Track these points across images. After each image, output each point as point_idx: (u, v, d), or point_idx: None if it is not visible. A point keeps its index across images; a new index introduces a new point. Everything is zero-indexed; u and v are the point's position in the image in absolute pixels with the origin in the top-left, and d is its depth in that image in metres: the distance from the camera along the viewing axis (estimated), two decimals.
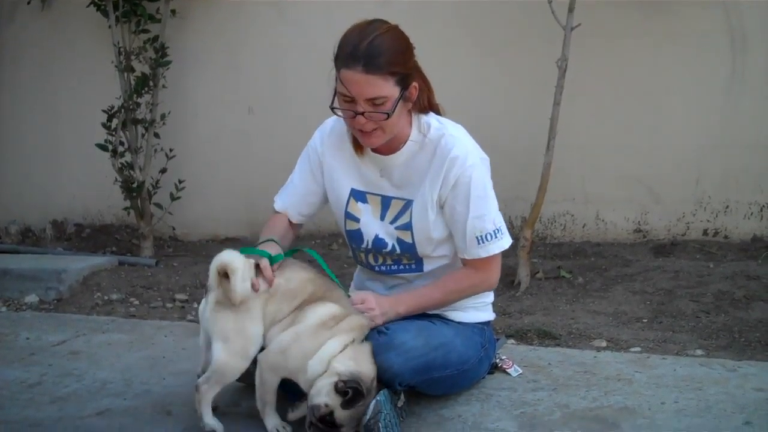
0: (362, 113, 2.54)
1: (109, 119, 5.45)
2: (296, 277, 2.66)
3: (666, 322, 3.88)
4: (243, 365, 2.59)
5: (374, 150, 2.76)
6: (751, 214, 4.97)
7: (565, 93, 4.44)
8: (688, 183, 5.07)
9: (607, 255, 4.96)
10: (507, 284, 4.52)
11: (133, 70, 5.50)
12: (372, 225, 2.83)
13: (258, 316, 2.58)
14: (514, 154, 5.22)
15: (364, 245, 2.86)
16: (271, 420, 2.59)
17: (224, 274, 2.55)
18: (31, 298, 4.76)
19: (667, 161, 5.08)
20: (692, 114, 5.03)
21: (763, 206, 4.94)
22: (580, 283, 4.53)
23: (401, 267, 2.87)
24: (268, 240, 2.77)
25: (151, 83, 5.53)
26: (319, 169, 2.90)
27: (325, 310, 2.57)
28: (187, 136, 5.90)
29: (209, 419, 2.59)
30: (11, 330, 4.11)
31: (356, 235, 2.87)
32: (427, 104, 2.76)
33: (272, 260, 2.63)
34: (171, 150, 5.58)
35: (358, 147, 2.80)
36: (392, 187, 2.79)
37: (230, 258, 2.56)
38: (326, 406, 2.41)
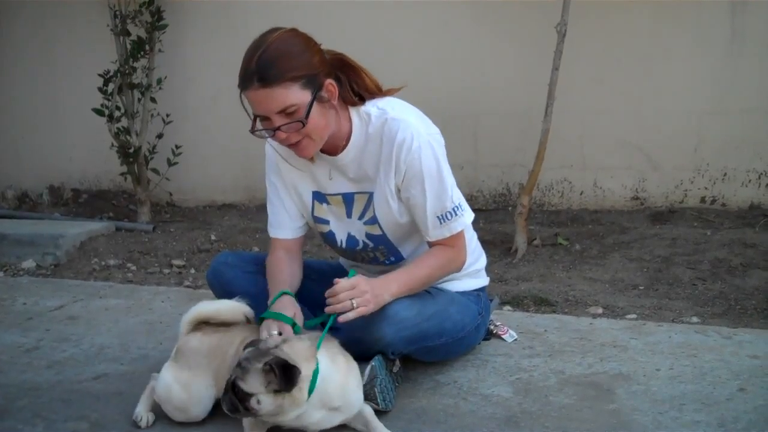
0: (279, 128, 2.43)
1: (105, 84, 5.42)
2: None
3: (662, 289, 3.89)
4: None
5: (322, 151, 2.65)
6: (749, 181, 4.97)
7: (564, 58, 4.41)
8: (686, 150, 5.06)
9: (605, 222, 4.96)
10: (504, 251, 4.53)
11: (129, 33, 5.46)
12: (341, 224, 2.77)
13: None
14: (512, 120, 5.21)
15: (339, 246, 2.82)
16: None
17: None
18: (28, 264, 4.77)
19: (666, 128, 5.07)
20: (691, 80, 5.00)
21: (762, 174, 4.93)
22: (577, 250, 4.53)
23: (380, 262, 2.83)
24: (282, 294, 2.61)
25: (147, 47, 5.49)
26: (281, 176, 2.80)
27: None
28: (184, 101, 5.88)
29: (141, 408, 2.59)
30: (8, 295, 4.12)
31: (330, 237, 2.82)
32: (360, 93, 2.62)
33: (294, 329, 2.51)
34: (168, 115, 5.56)
35: None
36: (350, 182, 2.70)
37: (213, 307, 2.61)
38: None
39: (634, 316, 3.52)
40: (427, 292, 2.72)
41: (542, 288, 3.95)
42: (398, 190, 2.63)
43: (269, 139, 2.68)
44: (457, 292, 2.83)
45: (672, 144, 5.08)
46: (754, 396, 2.59)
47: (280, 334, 2.42)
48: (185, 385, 2.51)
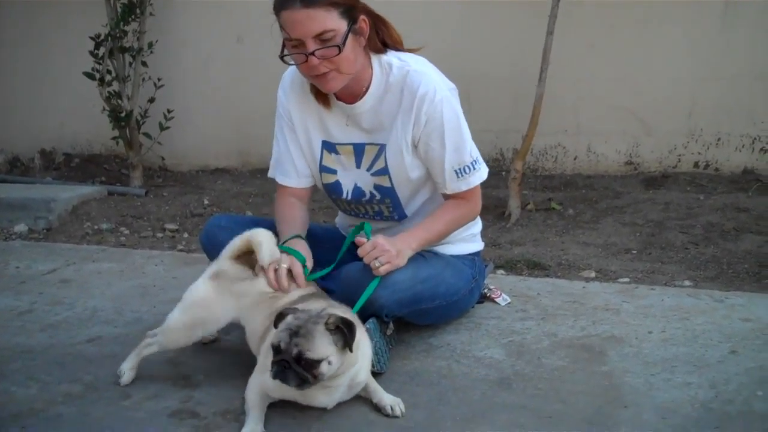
0: (312, 53, 2.42)
1: (96, 47, 5.37)
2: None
3: (655, 253, 3.90)
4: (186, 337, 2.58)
5: (339, 98, 2.66)
6: (743, 146, 4.97)
7: (558, 23, 4.38)
8: (680, 115, 5.05)
9: (598, 187, 4.96)
10: (497, 216, 4.53)
11: None
12: (349, 175, 2.77)
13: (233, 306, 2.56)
14: (506, 85, 5.19)
15: (344, 196, 2.81)
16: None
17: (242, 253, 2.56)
18: (21, 228, 4.76)
19: (660, 93, 5.05)
20: (685, 45, 4.98)
21: (755, 138, 4.93)
22: (571, 215, 4.53)
23: (383, 218, 2.84)
24: (294, 237, 2.65)
25: (138, 11, 5.43)
26: (293, 124, 2.79)
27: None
28: (176, 65, 5.84)
29: (126, 366, 2.61)
30: (1, 259, 4.11)
31: (335, 188, 2.81)
32: (384, 43, 2.64)
33: (304, 271, 2.56)
34: (159, 79, 5.52)
35: (321, 98, 2.69)
36: (362, 133, 2.70)
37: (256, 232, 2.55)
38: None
39: (626, 279, 3.53)
40: (421, 255, 2.72)
41: (535, 252, 3.96)
42: (414, 144, 2.63)
43: (283, 87, 2.74)
44: (451, 256, 2.83)
45: (666, 109, 5.07)
46: (745, 358, 2.60)
47: (289, 271, 2.49)
48: (211, 302, 2.54)
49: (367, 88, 2.63)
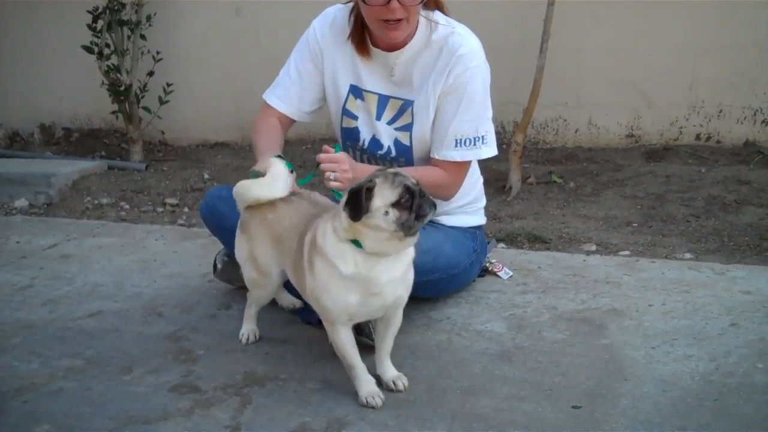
0: None
1: (94, 20, 5.33)
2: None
3: (656, 226, 3.89)
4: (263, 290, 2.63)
5: (376, 45, 2.66)
6: (745, 118, 4.94)
7: None
8: (681, 87, 5.02)
9: (599, 160, 4.94)
10: (498, 189, 4.52)
11: None
12: (369, 124, 2.76)
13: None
14: (507, 56, 5.14)
15: (360, 144, 2.80)
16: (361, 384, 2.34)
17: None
18: (21, 203, 4.75)
19: (661, 65, 5.01)
20: (686, 16, 4.93)
21: (757, 110, 4.91)
22: (571, 188, 4.52)
23: None
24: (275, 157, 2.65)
25: None
26: (321, 60, 2.78)
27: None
28: (175, 38, 5.79)
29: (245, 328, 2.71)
30: (1, 234, 4.11)
31: (353, 134, 2.81)
32: (437, 2, 2.67)
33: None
34: (158, 53, 5.48)
35: (361, 47, 2.68)
36: (391, 85, 2.71)
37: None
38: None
39: (627, 252, 3.53)
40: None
41: (536, 225, 3.95)
42: (438, 100, 2.63)
43: (323, 23, 2.76)
44: (452, 228, 2.82)
45: (667, 81, 5.03)
46: (745, 331, 2.61)
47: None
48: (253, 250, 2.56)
49: (409, 40, 2.63)
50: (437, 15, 2.65)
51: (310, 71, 2.80)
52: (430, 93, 2.64)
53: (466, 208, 2.91)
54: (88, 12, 5.31)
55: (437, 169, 2.67)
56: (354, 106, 2.77)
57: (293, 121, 2.89)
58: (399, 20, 2.49)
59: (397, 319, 2.37)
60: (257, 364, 2.55)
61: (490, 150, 2.71)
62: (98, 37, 5.36)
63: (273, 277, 2.56)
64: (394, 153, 2.76)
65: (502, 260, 3.25)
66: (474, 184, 2.92)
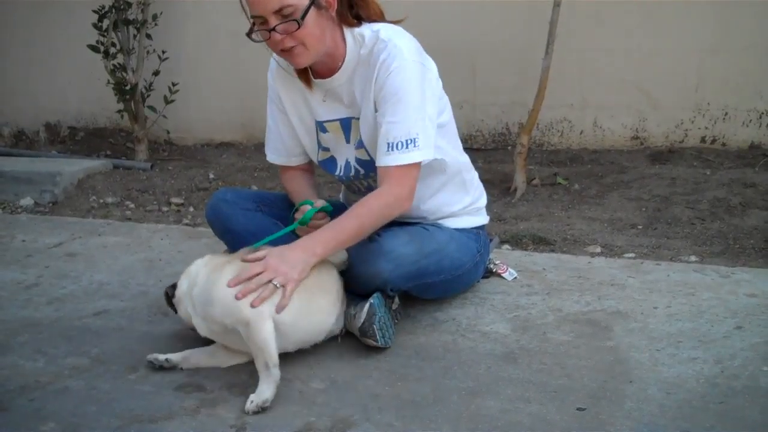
0: (273, 29, 2.41)
1: (100, 19, 5.35)
2: None
3: (661, 228, 3.89)
4: None
5: (317, 76, 2.64)
6: (750, 121, 4.93)
7: None
8: (686, 89, 5.01)
9: (604, 162, 4.94)
10: (503, 190, 4.52)
11: None
12: (341, 150, 2.76)
13: None
14: (512, 58, 5.16)
15: (337, 172, 2.80)
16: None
17: None
18: (26, 201, 4.76)
19: (666, 67, 5.01)
20: (692, 18, 4.93)
21: (762, 113, 4.90)
22: (576, 190, 4.52)
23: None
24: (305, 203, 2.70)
25: None
26: (282, 104, 2.79)
27: None
28: (181, 37, 5.81)
29: None
30: (7, 232, 4.12)
31: (330, 164, 2.81)
32: (358, 17, 2.59)
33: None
34: (164, 52, 5.49)
35: (302, 78, 2.67)
36: (345, 108, 2.67)
37: None
38: None
39: (632, 254, 3.53)
40: (425, 229, 2.73)
41: (541, 227, 3.95)
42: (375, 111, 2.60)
43: (271, 70, 2.77)
44: (456, 230, 2.83)
45: (672, 83, 5.03)
46: (751, 334, 2.60)
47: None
48: None
49: (342, 62, 2.61)
50: (364, 27, 2.59)
51: (282, 118, 2.83)
52: (371, 106, 2.59)
53: (469, 208, 2.91)
54: (94, 11, 5.32)
55: (371, 194, 2.57)
56: (324, 139, 2.77)
57: (307, 162, 2.93)
58: (293, 47, 2.46)
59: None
60: None
61: (422, 154, 2.52)
62: (104, 36, 5.37)
63: None
64: (362, 171, 2.74)
65: (507, 262, 3.25)
66: (468, 183, 2.89)
